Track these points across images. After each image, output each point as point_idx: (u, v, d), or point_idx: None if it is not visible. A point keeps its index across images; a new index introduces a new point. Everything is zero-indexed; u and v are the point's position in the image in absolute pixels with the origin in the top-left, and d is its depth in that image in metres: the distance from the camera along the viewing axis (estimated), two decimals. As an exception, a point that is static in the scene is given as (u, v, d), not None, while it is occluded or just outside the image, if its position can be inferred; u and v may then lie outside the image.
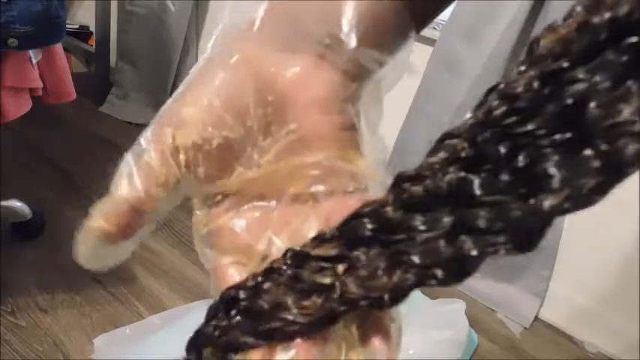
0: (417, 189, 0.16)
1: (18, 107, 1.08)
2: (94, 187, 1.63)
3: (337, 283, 0.18)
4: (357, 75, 0.25)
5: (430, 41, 1.56)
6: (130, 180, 0.24)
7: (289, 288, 0.20)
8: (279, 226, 0.25)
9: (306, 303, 0.19)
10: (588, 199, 0.13)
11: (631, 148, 0.11)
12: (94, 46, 2.34)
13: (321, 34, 0.24)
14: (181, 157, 0.24)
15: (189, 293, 1.35)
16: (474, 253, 0.14)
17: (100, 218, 0.23)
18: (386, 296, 0.17)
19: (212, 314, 0.22)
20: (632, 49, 0.12)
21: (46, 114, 1.56)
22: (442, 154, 0.16)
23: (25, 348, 1.14)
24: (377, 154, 0.25)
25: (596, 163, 0.12)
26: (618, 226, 1.34)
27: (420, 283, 0.16)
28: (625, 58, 0.12)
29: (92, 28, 2.39)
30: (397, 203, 0.17)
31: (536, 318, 1.56)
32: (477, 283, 1.57)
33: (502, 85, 0.14)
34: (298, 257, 0.21)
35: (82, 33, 2.48)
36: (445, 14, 1.51)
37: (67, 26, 1.70)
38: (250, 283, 0.22)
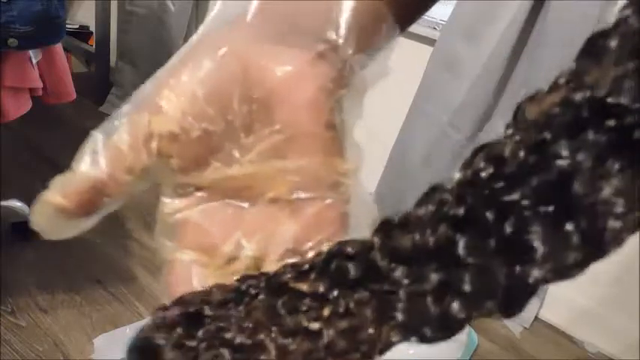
0: (405, 241, 0.16)
1: (18, 107, 1.08)
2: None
3: (325, 332, 0.18)
4: (348, 76, 0.24)
5: (430, 41, 1.55)
6: (94, 159, 0.22)
7: (268, 319, 0.19)
8: (251, 229, 0.23)
9: (289, 346, 0.18)
10: (570, 272, 0.13)
11: (610, 227, 0.12)
12: (94, 46, 2.34)
13: (317, 32, 0.23)
14: (153, 144, 0.23)
15: (189, 293, 1.35)
16: (462, 316, 0.14)
17: (58, 193, 0.22)
18: (376, 352, 0.16)
19: (169, 321, 0.20)
20: (612, 131, 0.12)
21: (46, 114, 1.56)
22: (431, 207, 0.16)
23: (25, 348, 1.14)
24: (354, 162, 0.24)
25: (576, 239, 0.13)
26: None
27: (406, 340, 0.16)
28: (605, 138, 0.12)
29: (92, 28, 2.39)
30: (384, 251, 0.17)
31: (536, 318, 1.56)
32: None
33: (489, 146, 0.14)
34: (274, 286, 0.20)
35: (82, 33, 2.48)
36: (445, 14, 1.50)
37: (67, 26, 1.70)
38: (217, 298, 0.20)
